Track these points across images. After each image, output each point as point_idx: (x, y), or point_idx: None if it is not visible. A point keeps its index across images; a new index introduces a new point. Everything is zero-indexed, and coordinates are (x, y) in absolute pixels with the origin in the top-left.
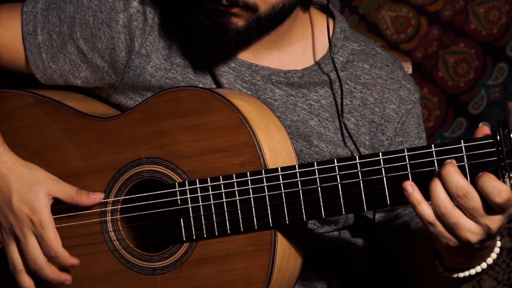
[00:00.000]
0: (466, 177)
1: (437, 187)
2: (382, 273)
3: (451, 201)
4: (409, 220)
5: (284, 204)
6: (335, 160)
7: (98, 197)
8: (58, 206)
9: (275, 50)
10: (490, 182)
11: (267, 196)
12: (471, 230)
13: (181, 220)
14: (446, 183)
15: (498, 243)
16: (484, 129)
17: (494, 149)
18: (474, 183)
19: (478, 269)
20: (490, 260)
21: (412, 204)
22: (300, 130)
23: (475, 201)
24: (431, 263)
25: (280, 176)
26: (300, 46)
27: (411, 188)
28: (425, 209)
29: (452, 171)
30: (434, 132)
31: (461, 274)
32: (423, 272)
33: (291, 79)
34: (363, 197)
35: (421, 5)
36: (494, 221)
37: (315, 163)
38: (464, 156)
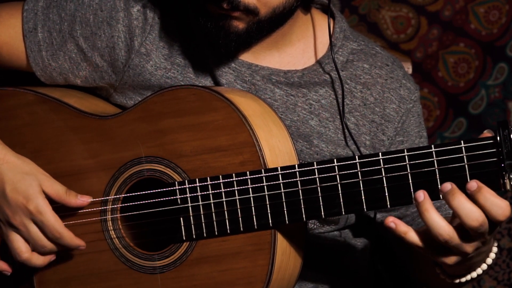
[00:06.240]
0: (466, 178)
1: (432, 216)
2: (383, 273)
3: (449, 225)
4: (411, 221)
5: (284, 203)
6: (335, 160)
7: (86, 200)
8: (58, 205)
9: (275, 50)
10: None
11: (266, 195)
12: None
13: (181, 219)
14: None
15: (495, 243)
16: (487, 135)
17: (494, 150)
18: (473, 184)
19: (479, 271)
20: (489, 261)
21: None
22: (300, 130)
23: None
24: (432, 268)
25: (280, 175)
26: (300, 46)
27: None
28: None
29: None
30: (434, 132)
31: (463, 279)
32: (425, 274)
33: (291, 79)
34: (363, 197)
35: (421, 5)
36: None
37: (315, 162)
38: (464, 156)
